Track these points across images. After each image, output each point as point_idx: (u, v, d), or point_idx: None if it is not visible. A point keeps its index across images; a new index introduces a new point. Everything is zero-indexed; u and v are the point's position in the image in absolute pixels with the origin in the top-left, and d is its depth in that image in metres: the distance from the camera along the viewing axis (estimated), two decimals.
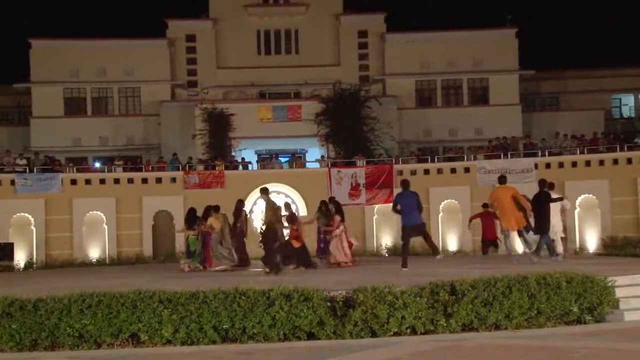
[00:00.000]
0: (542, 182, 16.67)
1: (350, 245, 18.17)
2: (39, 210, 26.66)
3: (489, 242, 20.21)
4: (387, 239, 27.02)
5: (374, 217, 27.47)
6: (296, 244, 16.98)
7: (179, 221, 26.96)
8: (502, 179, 16.39)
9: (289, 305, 9.69)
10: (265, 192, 16.45)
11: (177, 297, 9.79)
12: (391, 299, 9.81)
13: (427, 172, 27.98)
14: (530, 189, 24.69)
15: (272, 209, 16.04)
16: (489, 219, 20.43)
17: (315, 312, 9.68)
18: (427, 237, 15.86)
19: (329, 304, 9.84)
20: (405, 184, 15.64)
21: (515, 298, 10.15)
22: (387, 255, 25.93)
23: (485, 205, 24.19)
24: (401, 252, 15.52)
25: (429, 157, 29.59)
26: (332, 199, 19.33)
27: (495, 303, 10.09)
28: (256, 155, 35.25)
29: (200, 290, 9.92)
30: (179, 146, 33.70)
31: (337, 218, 17.99)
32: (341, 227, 17.88)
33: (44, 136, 34.63)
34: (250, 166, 31.26)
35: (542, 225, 16.00)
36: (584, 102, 38.74)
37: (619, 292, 11.14)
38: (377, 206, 27.57)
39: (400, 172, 27.97)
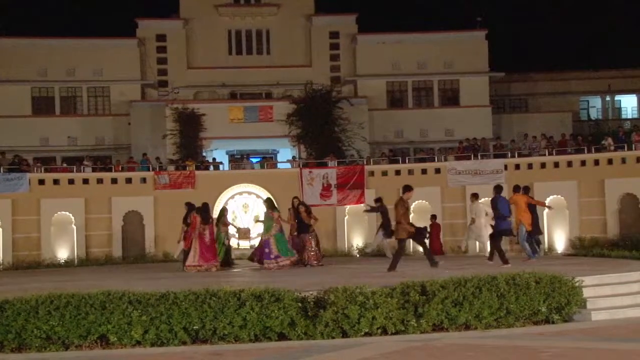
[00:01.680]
0: (497, 188, 17.78)
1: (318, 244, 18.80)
2: (5, 210, 26.31)
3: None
4: (358, 240, 27.08)
5: (345, 218, 27.52)
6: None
7: (149, 222, 26.86)
8: (517, 188, 18.15)
9: (260, 306, 9.68)
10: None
11: (147, 298, 9.73)
12: (362, 299, 9.85)
13: (398, 173, 28.07)
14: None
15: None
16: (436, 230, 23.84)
17: (287, 313, 9.68)
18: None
19: (300, 304, 9.85)
20: (498, 189, 17.28)
21: (485, 298, 10.24)
22: (358, 255, 25.99)
23: (433, 217, 24.79)
24: (498, 254, 16.45)
25: (400, 158, 29.70)
26: (301, 202, 20.14)
27: (465, 303, 10.17)
28: (227, 156, 35.07)
29: (170, 291, 9.88)
30: (149, 146, 33.46)
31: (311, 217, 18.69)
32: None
33: (11, 135, 34.15)
34: (221, 167, 31.11)
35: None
36: (553, 104, 39.25)
37: (586, 292, 11.31)
38: (348, 207, 27.62)
39: (372, 173, 28.07)
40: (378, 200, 22.49)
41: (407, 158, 30.15)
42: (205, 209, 19.23)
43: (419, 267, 16.50)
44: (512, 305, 10.35)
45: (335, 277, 14.37)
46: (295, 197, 20.64)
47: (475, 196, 21.24)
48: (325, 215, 25.93)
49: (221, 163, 31.51)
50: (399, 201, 15.48)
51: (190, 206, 19.46)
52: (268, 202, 19.96)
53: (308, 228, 19.08)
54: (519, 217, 17.78)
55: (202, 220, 18.73)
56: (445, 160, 28.56)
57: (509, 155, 28.19)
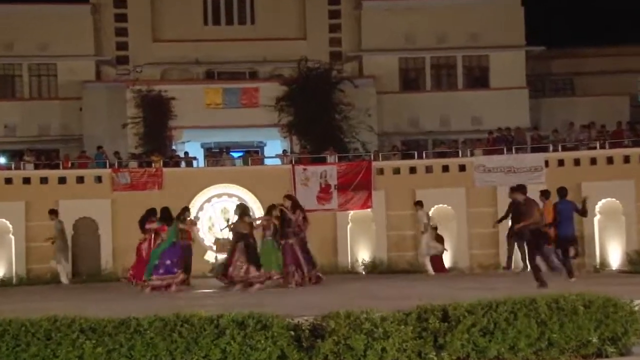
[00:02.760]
0: (562, 190, 18.86)
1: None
2: None
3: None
4: (364, 253, 27.02)
5: (349, 226, 27.47)
6: None
7: (106, 231, 26.84)
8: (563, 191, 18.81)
9: (243, 335, 9.64)
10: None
11: (103, 326, 9.68)
12: (369, 326, 9.80)
13: (413, 170, 28.04)
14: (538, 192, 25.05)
15: None
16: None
17: (276, 344, 9.64)
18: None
19: (292, 333, 9.80)
20: (563, 191, 18.49)
21: (522, 326, 10.20)
22: (364, 272, 25.97)
23: (434, 228, 25.14)
24: (565, 266, 17.81)
25: (416, 153, 29.65)
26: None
27: (497, 332, 10.13)
28: (203, 150, 35.04)
29: (132, 317, 9.82)
30: (106, 137, 33.34)
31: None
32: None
33: None
34: (195, 163, 31.06)
35: None
36: (605, 86, 39.15)
37: None
38: (351, 212, 27.55)
39: (381, 171, 28.04)
40: (418, 203, 23.91)
41: (424, 152, 30.14)
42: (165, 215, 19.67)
43: (439, 286, 16.47)
44: (555, 335, 10.32)
45: (336, 298, 14.34)
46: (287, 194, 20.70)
47: (419, 205, 23.21)
48: (324, 222, 25.89)
49: (195, 158, 31.49)
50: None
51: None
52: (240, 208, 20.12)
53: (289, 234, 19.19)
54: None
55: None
56: (472, 155, 28.57)
57: (551, 148, 28.18)
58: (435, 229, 25.67)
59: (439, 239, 25.47)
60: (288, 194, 20.96)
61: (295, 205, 19.73)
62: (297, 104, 32.83)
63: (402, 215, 26.80)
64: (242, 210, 19.81)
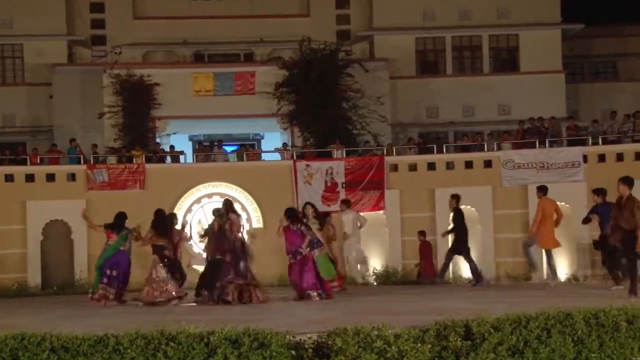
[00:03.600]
0: (455, 196, 22.43)
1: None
2: None
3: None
4: (375, 262, 27.02)
5: (419, 229, 27.38)
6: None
7: (80, 236, 26.77)
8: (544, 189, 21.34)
9: (237, 354, 9.66)
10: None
11: (77, 344, 9.71)
12: (381, 345, 9.82)
13: (431, 166, 27.99)
14: (576, 191, 25.09)
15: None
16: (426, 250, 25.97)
17: None
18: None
19: (293, 352, 9.83)
20: (602, 191, 20.18)
21: (556, 344, 10.22)
22: (375, 283, 25.95)
23: (422, 234, 26.24)
24: (608, 271, 19.70)
25: (435, 146, 29.64)
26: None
27: (527, 351, 10.14)
28: (191, 143, 35.07)
29: (109, 334, 9.85)
30: (80, 129, 33.55)
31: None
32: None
33: None
34: (182, 158, 31.03)
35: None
36: None
37: None
38: (362, 214, 27.52)
39: (395, 167, 28.03)
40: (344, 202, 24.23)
41: (444, 146, 30.08)
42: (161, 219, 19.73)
43: (461, 299, 16.47)
44: (593, 355, 10.33)
45: (343, 312, 14.36)
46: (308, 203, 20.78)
47: (345, 203, 23.39)
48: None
49: (182, 153, 31.46)
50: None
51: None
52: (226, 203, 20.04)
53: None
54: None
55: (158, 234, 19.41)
56: (499, 148, 28.53)
57: (590, 141, 28.14)
58: (423, 234, 26.19)
59: (426, 247, 26.13)
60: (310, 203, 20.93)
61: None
62: (299, 91, 32.86)
63: (419, 218, 26.79)
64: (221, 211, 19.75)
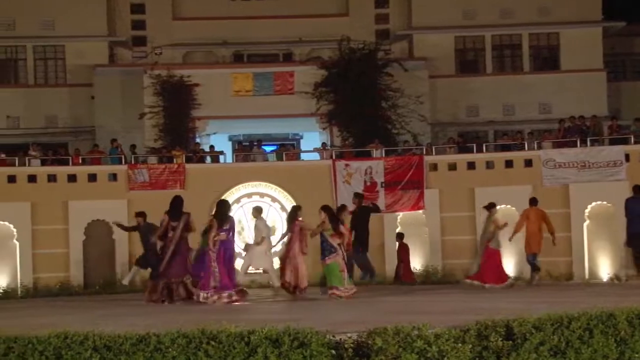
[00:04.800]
0: (358, 195, 23.11)
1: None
2: None
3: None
4: (415, 261, 26.98)
5: (397, 230, 27.44)
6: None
7: (121, 235, 26.86)
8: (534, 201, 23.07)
9: (277, 353, 9.67)
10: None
11: (120, 343, 9.76)
12: (421, 345, 9.79)
13: (471, 166, 27.89)
14: (618, 190, 24.85)
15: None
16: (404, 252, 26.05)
17: None
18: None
19: (333, 352, 9.82)
20: (637, 188, 21.00)
21: (598, 345, 10.13)
22: (416, 282, 25.91)
23: (400, 236, 26.48)
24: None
25: (475, 146, 29.49)
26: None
27: (569, 351, 10.07)
28: (230, 143, 35.13)
29: (151, 333, 9.90)
30: (121, 129, 33.77)
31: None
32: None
33: None
34: (222, 158, 31.16)
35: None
36: None
37: None
38: (400, 214, 27.52)
39: (434, 167, 27.94)
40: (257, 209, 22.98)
41: (484, 145, 29.97)
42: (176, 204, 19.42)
43: (501, 299, 16.39)
44: (637, 355, 10.23)
45: (382, 312, 14.34)
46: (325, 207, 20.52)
47: (258, 211, 22.53)
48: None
49: (222, 153, 31.61)
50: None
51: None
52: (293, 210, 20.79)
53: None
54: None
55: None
56: (540, 147, 28.36)
57: (632, 140, 27.90)
58: (401, 237, 26.26)
59: (404, 250, 26.19)
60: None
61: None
62: (338, 91, 32.90)
63: (459, 218, 26.71)
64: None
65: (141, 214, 22.24)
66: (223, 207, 19.02)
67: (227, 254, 18.47)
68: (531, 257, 23.27)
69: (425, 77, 35.06)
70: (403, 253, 26.27)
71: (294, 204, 23.92)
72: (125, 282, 23.96)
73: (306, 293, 19.68)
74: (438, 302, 17.08)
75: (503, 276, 21.72)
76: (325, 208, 19.57)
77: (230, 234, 18.62)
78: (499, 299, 16.37)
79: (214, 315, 14.22)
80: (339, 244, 19.12)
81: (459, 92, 35.91)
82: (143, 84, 33.60)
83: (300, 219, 20.42)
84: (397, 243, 26.46)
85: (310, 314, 14.69)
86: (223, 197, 27.03)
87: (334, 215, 19.52)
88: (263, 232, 21.95)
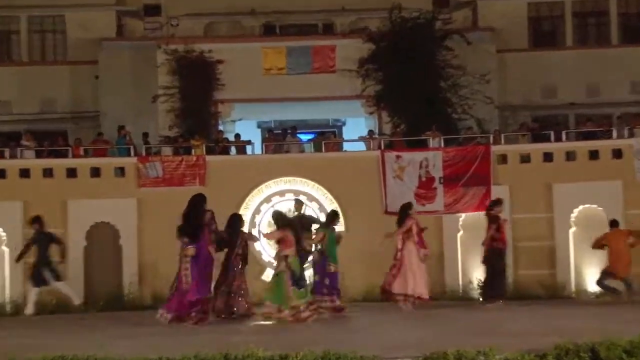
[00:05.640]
0: (297, 201, 23.60)
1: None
2: None
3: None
4: (480, 272, 26.82)
5: (459, 235, 27.29)
6: None
7: (129, 241, 26.92)
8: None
9: None
10: None
11: None
12: None
13: (548, 157, 27.71)
14: None
15: None
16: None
17: None
18: None
19: None
20: None
21: None
22: (481, 298, 25.71)
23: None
24: None
25: (552, 133, 29.30)
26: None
27: None
28: (259, 131, 35.17)
29: (163, 358, 9.90)
30: (130, 115, 33.86)
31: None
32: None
33: None
34: (249, 149, 31.10)
35: None
36: None
37: None
38: (463, 216, 27.38)
39: (503, 158, 27.77)
40: (497, 202, 23.86)
41: (563, 132, 29.76)
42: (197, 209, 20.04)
43: (586, 317, 16.29)
44: None
45: (438, 332, 14.30)
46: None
47: (36, 221, 22.89)
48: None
49: (249, 143, 31.50)
50: None
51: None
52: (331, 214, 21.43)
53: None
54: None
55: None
56: (632, 135, 28.20)
57: None
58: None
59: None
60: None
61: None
62: (388, 68, 32.70)
63: (534, 220, 26.52)
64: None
65: (37, 220, 22.50)
66: (194, 211, 19.80)
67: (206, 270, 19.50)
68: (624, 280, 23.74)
69: (492, 52, 34.94)
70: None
71: (339, 203, 24.00)
72: (29, 311, 23.70)
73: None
74: (509, 321, 17.00)
75: None
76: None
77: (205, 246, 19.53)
78: (583, 318, 16.25)
79: (241, 336, 14.22)
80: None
81: (533, 69, 35.66)
82: (157, 61, 33.58)
83: (412, 215, 21.45)
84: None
85: (353, 335, 14.66)
86: (248, 198, 27.26)
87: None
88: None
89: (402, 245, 21.27)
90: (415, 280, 20.89)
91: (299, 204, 23.47)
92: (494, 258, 23.03)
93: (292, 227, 19.53)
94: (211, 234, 19.98)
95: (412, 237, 21.19)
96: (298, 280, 19.07)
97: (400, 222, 21.59)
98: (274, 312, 18.81)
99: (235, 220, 21.29)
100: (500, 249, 23.10)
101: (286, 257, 19.08)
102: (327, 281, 20.99)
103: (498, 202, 23.37)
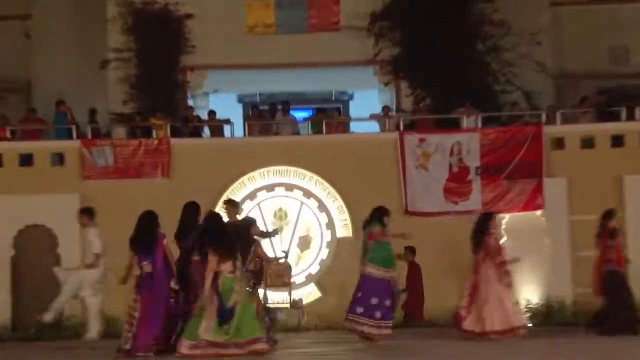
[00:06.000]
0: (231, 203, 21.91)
1: None
2: None
3: None
4: (529, 289, 26.75)
5: (502, 241, 27.23)
6: None
7: (68, 248, 26.81)
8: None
9: None
10: None
11: None
12: None
13: (618, 141, 27.72)
14: None
15: None
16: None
17: None
18: None
19: None
20: None
21: None
22: (530, 323, 25.64)
23: (411, 251, 26.37)
24: None
25: (624, 110, 29.27)
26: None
27: None
28: (241, 106, 35.12)
29: None
30: (71, 86, 33.88)
31: None
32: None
33: None
34: (228, 129, 31.04)
35: None
36: None
37: None
38: (506, 217, 27.27)
39: (559, 142, 27.80)
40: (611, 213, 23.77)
41: (637, 109, 29.72)
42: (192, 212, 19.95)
43: None
44: None
45: None
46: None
47: (87, 215, 23.00)
48: (457, 232, 25.46)
49: (228, 122, 31.49)
50: None
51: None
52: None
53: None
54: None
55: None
56: None
57: None
58: (413, 252, 26.44)
59: (416, 271, 26.57)
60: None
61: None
62: (408, 25, 32.70)
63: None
64: None
65: None
66: (143, 223, 19.55)
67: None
68: None
69: (545, 4, 35.09)
70: (413, 276, 26.39)
71: (381, 205, 23.45)
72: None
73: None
74: (568, 354, 16.91)
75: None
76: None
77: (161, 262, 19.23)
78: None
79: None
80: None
81: (598, 27, 35.69)
82: (106, 16, 33.54)
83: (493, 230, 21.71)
84: (406, 262, 26.14)
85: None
86: (225, 194, 27.16)
87: None
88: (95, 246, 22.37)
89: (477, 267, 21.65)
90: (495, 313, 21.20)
91: (232, 205, 21.77)
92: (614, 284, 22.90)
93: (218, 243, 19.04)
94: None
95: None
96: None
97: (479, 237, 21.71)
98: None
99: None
100: (618, 272, 22.86)
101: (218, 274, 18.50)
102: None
103: (612, 212, 22.99)
